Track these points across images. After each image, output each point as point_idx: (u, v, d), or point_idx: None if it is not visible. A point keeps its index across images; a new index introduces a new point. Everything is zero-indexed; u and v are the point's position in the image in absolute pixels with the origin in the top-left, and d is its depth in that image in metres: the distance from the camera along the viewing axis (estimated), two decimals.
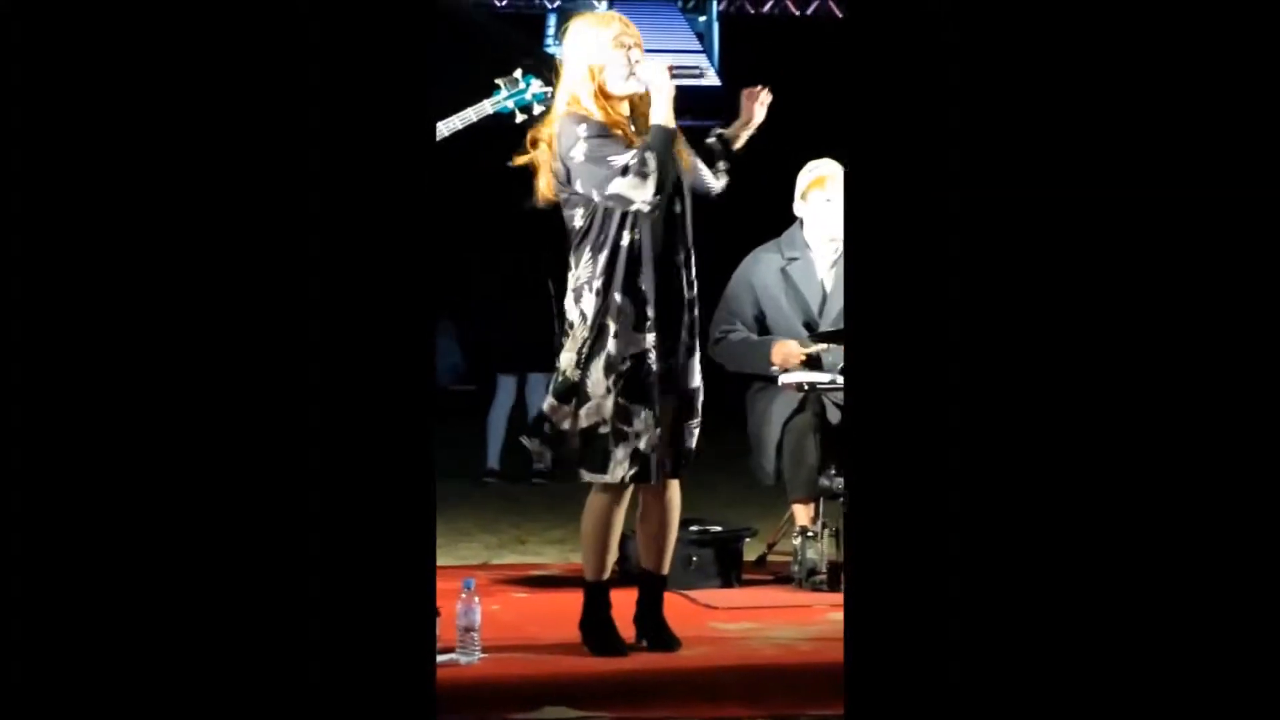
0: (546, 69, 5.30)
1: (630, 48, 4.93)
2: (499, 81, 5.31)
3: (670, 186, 4.89)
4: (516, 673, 4.69)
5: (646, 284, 4.89)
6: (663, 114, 4.87)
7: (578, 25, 5.02)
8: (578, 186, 4.87)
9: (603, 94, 4.93)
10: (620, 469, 4.87)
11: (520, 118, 5.32)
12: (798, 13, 22.80)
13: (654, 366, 4.88)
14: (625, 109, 4.97)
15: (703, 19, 23.81)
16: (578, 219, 4.91)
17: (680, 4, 23.88)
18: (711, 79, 5.11)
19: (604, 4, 23.42)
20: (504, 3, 22.54)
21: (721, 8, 23.50)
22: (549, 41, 23.43)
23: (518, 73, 5.37)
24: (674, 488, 5.06)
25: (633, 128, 4.95)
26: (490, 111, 5.28)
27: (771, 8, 22.88)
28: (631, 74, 4.92)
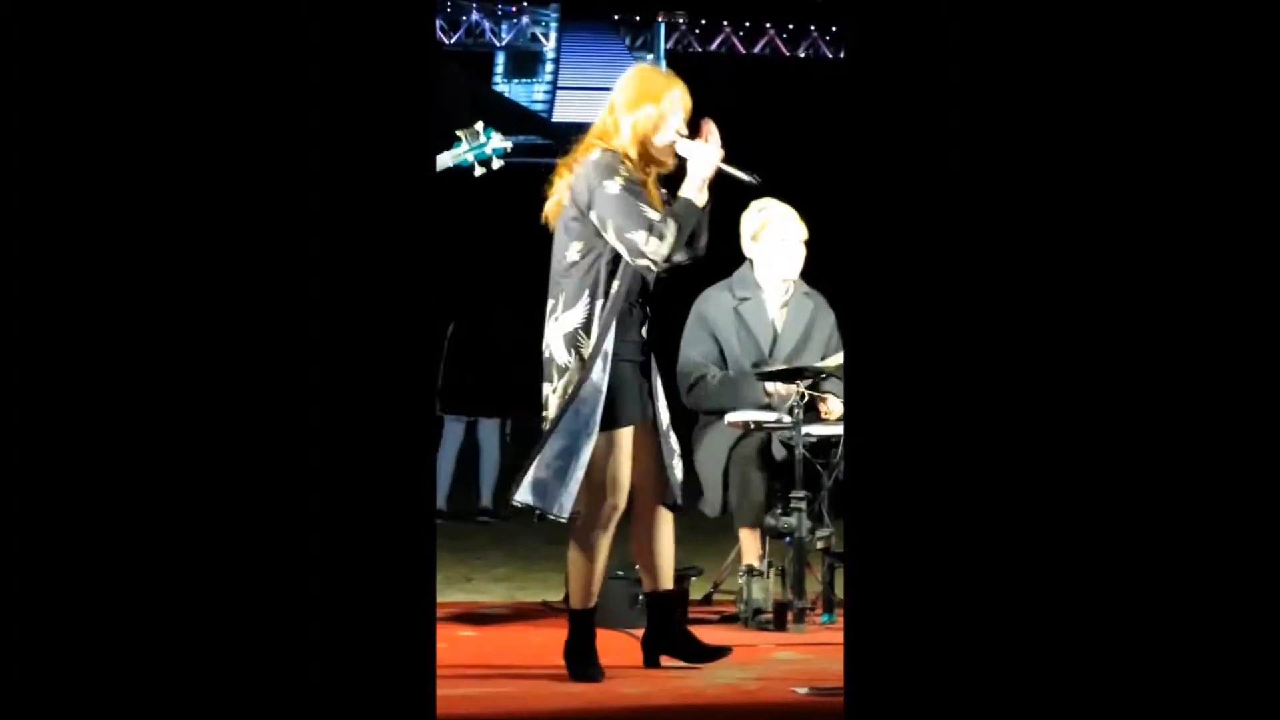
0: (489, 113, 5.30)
1: (683, 116, 4.98)
2: (460, 134, 5.26)
3: (675, 258, 4.92)
4: (461, 711, 4.66)
5: (619, 331, 4.91)
6: (693, 189, 4.91)
7: (644, 72, 5.10)
8: (593, 217, 4.87)
9: (643, 146, 4.95)
10: (570, 501, 4.91)
11: (479, 171, 5.29)
12: (745, 51, 22.91)
13: (598, 407, 4.90)
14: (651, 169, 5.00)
15: (650, 57, 23.92)
16: (573, 252, 4.92)
17: (628, 42, 23.98)
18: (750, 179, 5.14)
19: (551, 44, 23.48)
20: (452, 41, 22.55)
21: (669, 46, 23.62)
22: (497, 79, 23.47)
23: (479, 125, 5.32)
24: (666, 514, 5.14)
25: (662, 189, 5.00)
26: (450, 164, 5.24)
27: (719, 46, 23.00)
28: (679, 138, 4.95)
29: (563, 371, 4.90)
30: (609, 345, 4.88)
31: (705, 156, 4.93)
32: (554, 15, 23.65)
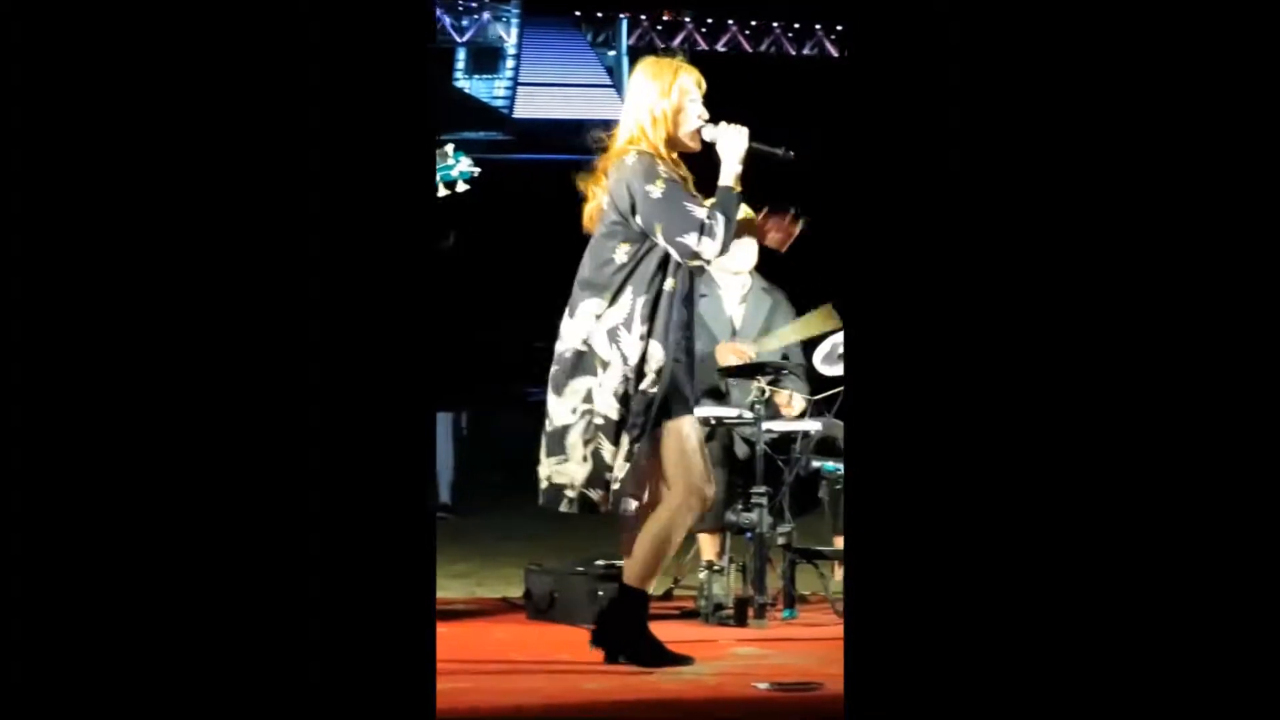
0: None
1: (699, 97, 5.01)
2: None
3: (728, 248, 4.94)
4: None
5: (676, 332, 4.93)
6: (730, 176, 4.93)
7: (650, 65, 5.06)
8: (639, 220, 4.87)
9: (670, 139, 4.95)
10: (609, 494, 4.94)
11: (443, 192, 5.31)
12: (707, 47, 22.95)
13: (657, 408, 4.93)
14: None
15: (612, 53, 23.95)
16: (620, 255, 4.91)
17: (590, 39, 24.00)
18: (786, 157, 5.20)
19: (512, 41, 23.46)
20: None
21: (631, 42, 23.63)
22: (458, 76, 23.46)
23: (449, 148, 5.36)
24: None
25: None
26: None
27: (681, 42, 23.01)
28: (703, 125, 4.97)
29: (605, 365, 4.90)
30: (659, 346, 4.89)
31: (734, 139, 4.95)
32: (515, 11, 23.65)
